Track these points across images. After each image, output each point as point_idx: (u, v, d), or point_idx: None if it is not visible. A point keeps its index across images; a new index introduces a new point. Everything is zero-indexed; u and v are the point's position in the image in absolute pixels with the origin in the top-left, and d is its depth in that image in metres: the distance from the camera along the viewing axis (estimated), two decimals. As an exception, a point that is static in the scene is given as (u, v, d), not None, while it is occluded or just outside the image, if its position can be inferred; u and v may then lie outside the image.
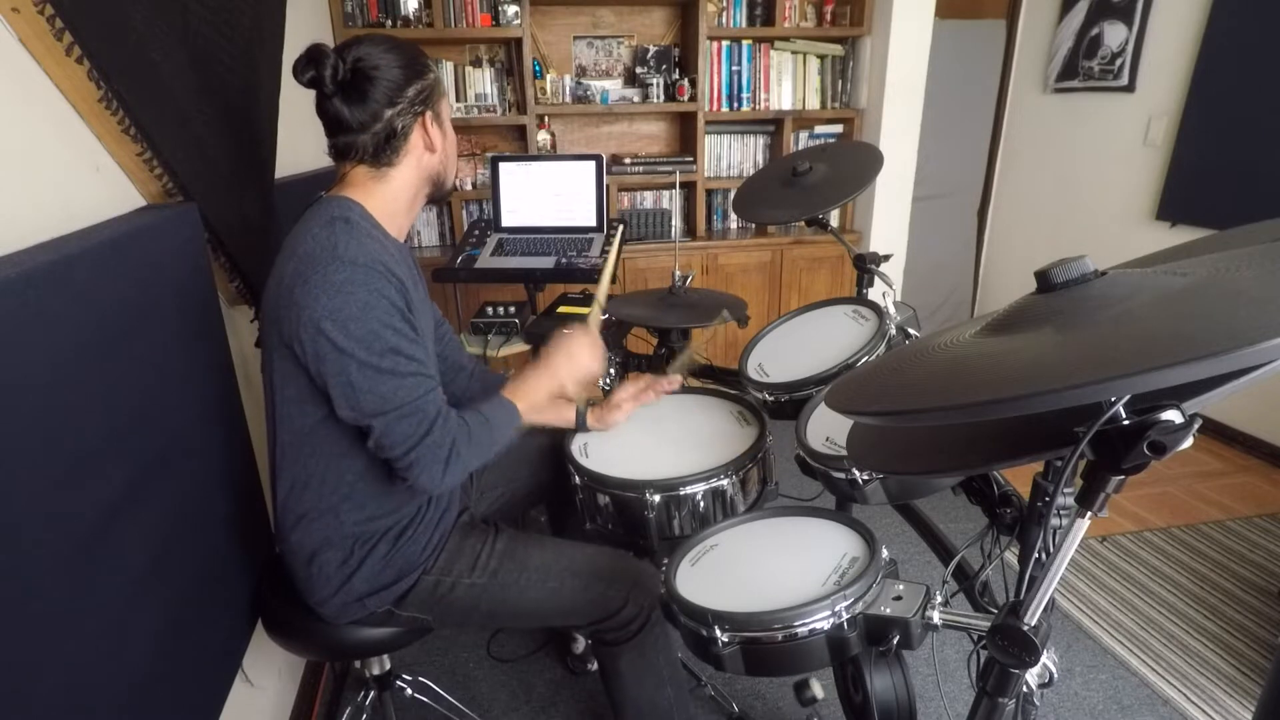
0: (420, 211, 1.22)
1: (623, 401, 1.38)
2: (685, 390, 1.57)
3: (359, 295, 0.98)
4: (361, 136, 1.05)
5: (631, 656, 1.25)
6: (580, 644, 1.78)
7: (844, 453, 1.07)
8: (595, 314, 1.39)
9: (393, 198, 1.11)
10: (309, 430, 1.06)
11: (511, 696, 1.73)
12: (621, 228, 1.76)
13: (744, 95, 3.27)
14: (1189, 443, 0.52)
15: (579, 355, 1.27)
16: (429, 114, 1.10)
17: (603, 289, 1.44)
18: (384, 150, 1.07)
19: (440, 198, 1.21)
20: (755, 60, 3.23)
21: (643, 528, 1.22)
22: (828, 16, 3.25)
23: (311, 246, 1.00)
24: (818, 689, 1.10)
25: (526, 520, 1.91)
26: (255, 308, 1.42)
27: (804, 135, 3.45)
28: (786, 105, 3.33)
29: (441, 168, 1.16)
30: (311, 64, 1.01)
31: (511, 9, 2.87)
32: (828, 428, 1.19)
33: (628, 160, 3.19)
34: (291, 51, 1.17)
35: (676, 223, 3.22)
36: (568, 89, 3.12)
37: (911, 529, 1.67)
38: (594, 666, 1.76)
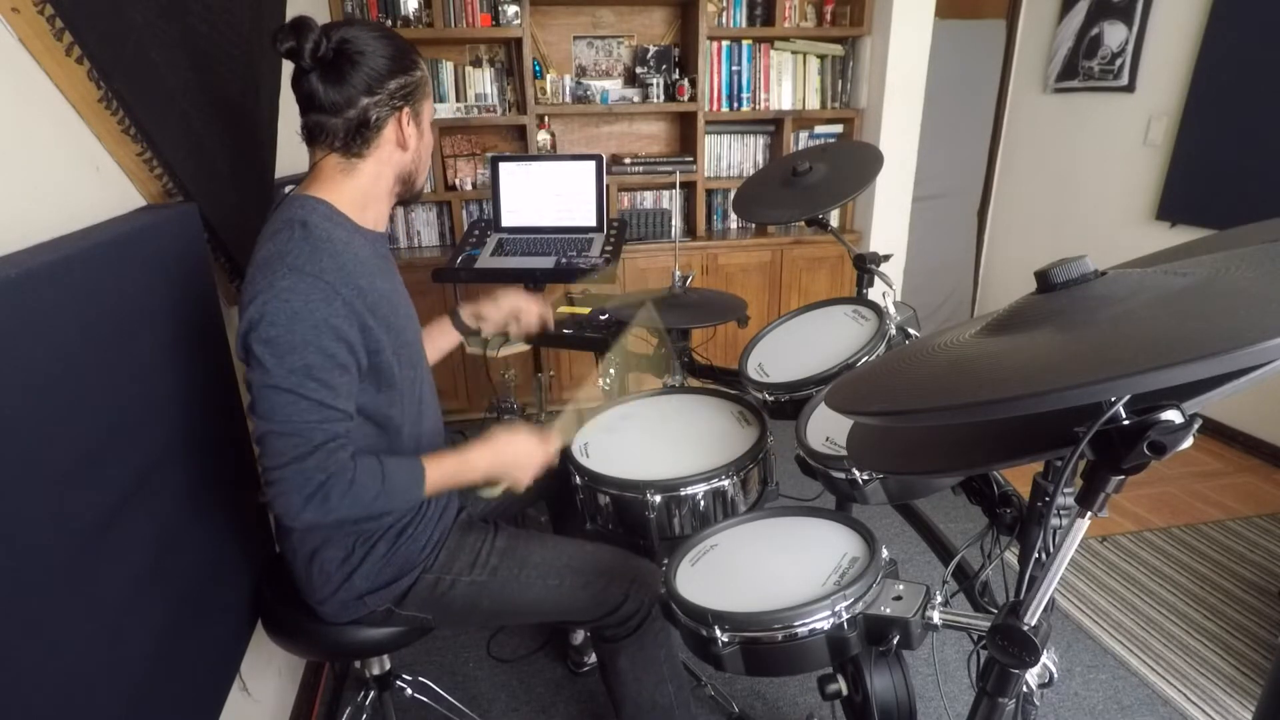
0: (394, 206, 1.19)
1: (504, 304, 1.49)
2: (686, 390, 1.57)
3: (292, 304, 0.94)
4: (333, 119, 1.02)
5: (631, 652, 1.25)
6: (579, 635, 1.79)
7: (844, 453, 1.07)
8: (570, 424, 1.32)
9: (361, 191, 1.08)
10: None
11: (511, 696, 1.73)
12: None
13: (744, 95, 3.27)
14: (1189, 443, 0.52)
15: (518, 457, 1.17)
16: (408, 110, 1.07)
17: (587, 398, 1.37)
18: (354, 139, 1.04)
19: (408, 200, 1.17)
20: (755, 60, 3.23)
21: (643, 528, 1.22)
22: (828, 16, 3.24)
23: (269, 251, 0.99)
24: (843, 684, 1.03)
25: (525, 519, 1.92)
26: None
27: (804, 135, 3.44)
28: (786, 105, 3.33)
29: (413, 167, 1.13)
30: (293, 33, 0.96)
31: (511, 9, 2.87)
32: (828, 428, 1.19)
33: (628, 160, 3.18)
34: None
35: (676, 223, 3.21)
36: (568, 89, 3.12)
37: (911, 529, 1.67)
38: (593, 659, 1.76)
